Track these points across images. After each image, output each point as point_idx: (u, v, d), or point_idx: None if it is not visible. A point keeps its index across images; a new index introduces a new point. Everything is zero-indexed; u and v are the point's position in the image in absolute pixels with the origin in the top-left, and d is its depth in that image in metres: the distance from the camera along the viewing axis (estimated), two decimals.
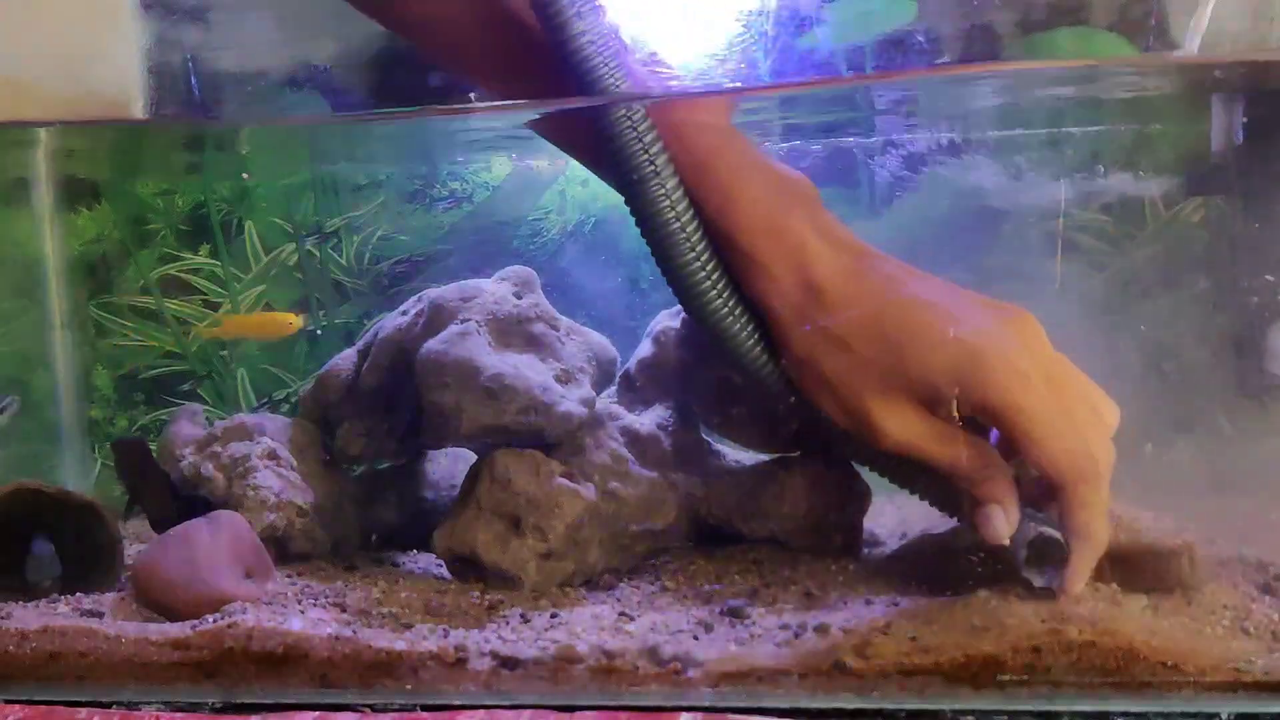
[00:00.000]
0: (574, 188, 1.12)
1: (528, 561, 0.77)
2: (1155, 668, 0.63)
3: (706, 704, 0.65)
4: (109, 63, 0.82)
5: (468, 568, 0.79)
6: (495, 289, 0.89)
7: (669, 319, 0.88)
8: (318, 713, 0.65)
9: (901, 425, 0.67)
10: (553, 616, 0.72)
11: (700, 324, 0.73)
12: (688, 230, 0.70)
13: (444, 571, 0.82)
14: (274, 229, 1.18)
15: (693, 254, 0.70)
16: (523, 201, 1.12)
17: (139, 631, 0.73)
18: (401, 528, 0.93)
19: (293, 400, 1.14)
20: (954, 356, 0.66)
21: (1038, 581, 0.68)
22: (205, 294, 1.18)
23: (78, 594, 0.82)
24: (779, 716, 0.63)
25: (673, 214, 0.70)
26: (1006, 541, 0.68)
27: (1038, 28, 0.74)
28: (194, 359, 1.18)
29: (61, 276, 1.19)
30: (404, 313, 0.91)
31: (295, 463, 0.90)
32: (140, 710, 0.67)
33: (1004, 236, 1.03)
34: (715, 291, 0.71)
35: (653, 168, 0.69)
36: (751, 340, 0.72)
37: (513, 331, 0.86)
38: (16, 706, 0.66)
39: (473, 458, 0.84)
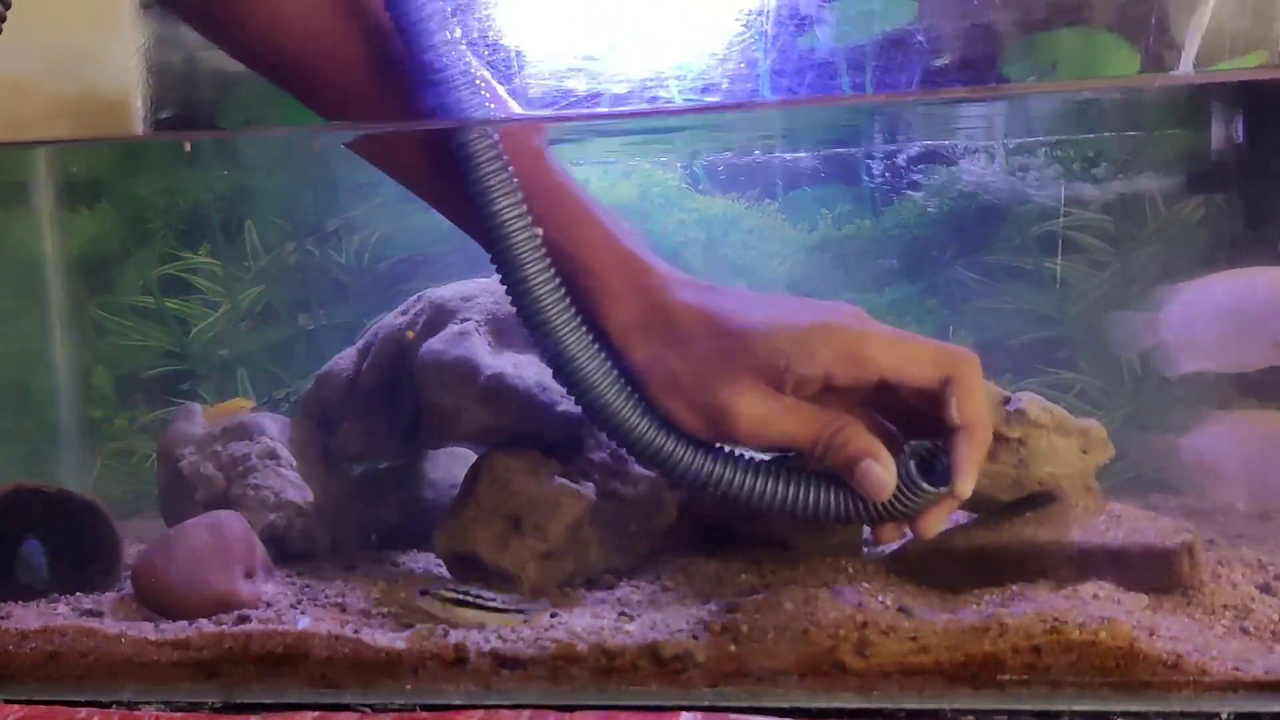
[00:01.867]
0: None
1: (527, 561, 0.77)
2: (1155, 667, 0.63)
3: (706, 703, 0.65)
4: (108, 62, 0.82)
5: (468, 567, 0.79)
6: (495, 289, 0.89)
7: None
8: (317, 712, 0.65)
9: (752, 403, 0.67)
10: (552, 616, 0.72)
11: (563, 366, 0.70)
12: (549, 267, 0.70)
13: (444, 571, 0.82)
14: (274, 228, 1.18)
15: (557, 296, 0.70)
16: None
17: (139, 631, 0.73)
18: (401, 527, 0.93)
19: (292, 399, 1.14)
20: (795, 330, 0.68)
21: (927, 486, 0.66)
22: (205, 293, 1.18)
23: (77, 594, 0.82)
24: (779, 716, 0.63)
25: (538, 254, 0.69)
26: (891, 491, 0.66)
27: (1038, 28, 0.74)
28: (194, 358, 1.18)
29: (61, 276, 1.19)
30: (404, 312, 0.91)
31: (295, 462, 0.90)
32: (140, 710, 0.67)
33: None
34: (576, 327, 0.70)
35: (514, 198, 0.69)
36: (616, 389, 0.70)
37: (513, 331, 0.86)
38: (16, 706, 0.66)
39: (472, 457, 0.84)
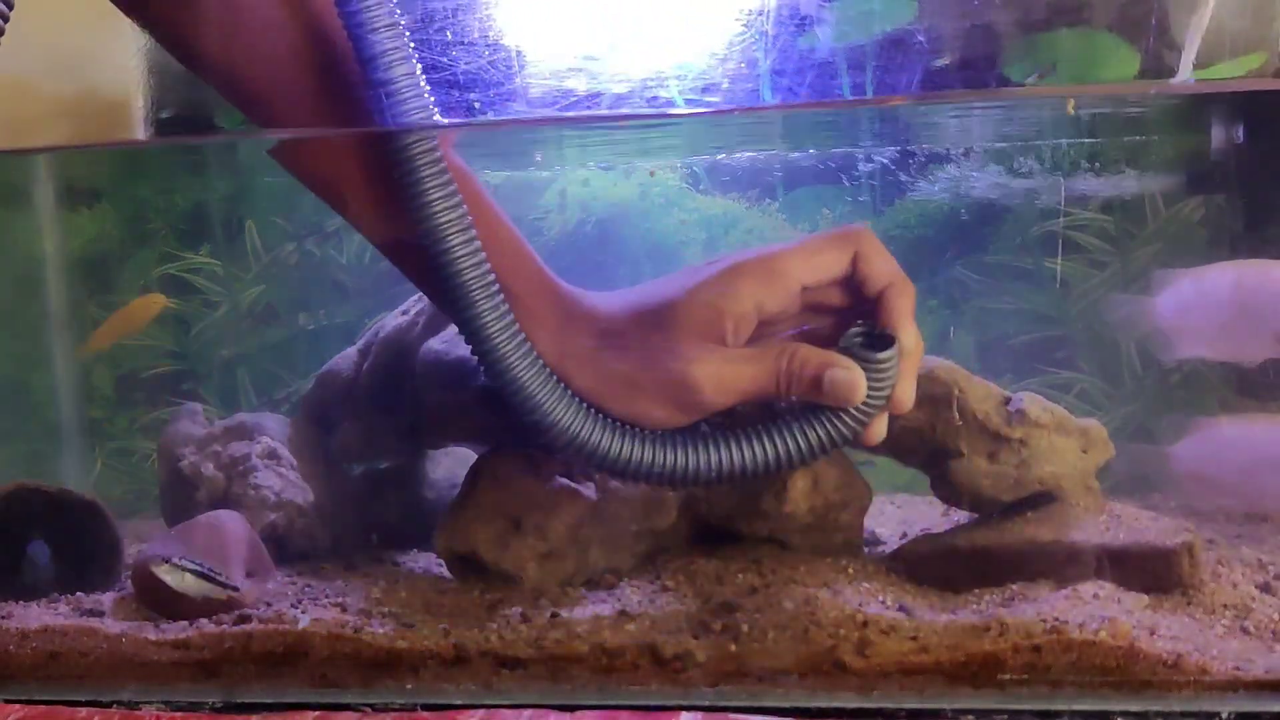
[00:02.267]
0: (574, 187, 1.12)
1: (528, 561, 0.77)
2: (1155, 666, 0.63)
3: (706, 703, 0.65)
4: (108, 63, 0.82)
5: (468, 567, 0.79)
6: None
7: None
8: (318, 712, 0.65)
9: (706, 367, 0.67)
10: (553, 616, 0.72)
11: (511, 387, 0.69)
12: (495, 286, 0.69)
13: (444, 571, 0.82)
14: (274, 228, 1.18)
15: (504, 318, 0.68)
16: (523, 201, 1.12)
17: (139, 631, 0.73)
18: (402, 527, 0.93)
19: (293, 399, 1.14)
20: (712, 280, 0.69)
21: (881, 355, 0.66)
22: (205, 293, 1.18)
23: (78, 593, 0.82)
24: (779, 716, 0.63)
25: (483, 273, 0.68)
26: (864, 388, 0.66)
27: (1038, 28, 0.74)
28: (194, 358, 1.18)
29: (61, 275, 1.19)
30: (404, 312, 0.91)
31: (295, 462, 0.90)
32: (140, 710, 0.67)
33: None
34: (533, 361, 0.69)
35: (458, 213, 0.68)
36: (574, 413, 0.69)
37: None
38: (16, 706, 0.66)
39: (473, 457, 0.84)
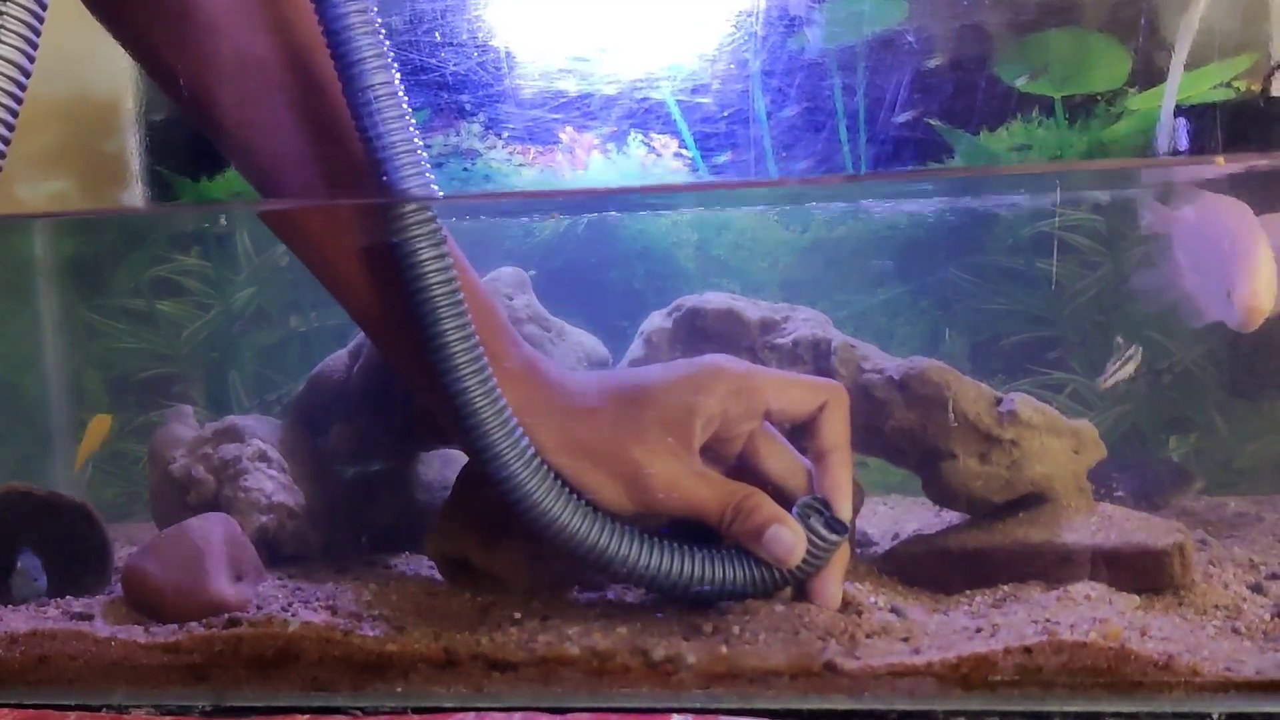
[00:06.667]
0: None
1: (519, 563, 0.77)
2: (1146, 667, 0.63)
3: (698, 705, 0.65)
4: (99, 63, 0.82)
5: (459, 570, 0.79)
6: (493, 288, 0.89)
7: (661, 319, 0.88)
8: (309, 715, 0.65)
9: (666, 463, 0.69)
10: (544, 619, 0.72)
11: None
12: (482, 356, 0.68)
13: (435, 574, 0.82)
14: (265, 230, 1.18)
15: (487, 389, 0.68)
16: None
17: (129, 634, 0.73)
18: (393, 530, 0.93)
19: (284, 402, 1.13)
20: (690, 374, 0.71)
21: (832, 536, 0.69)
22: (196, 295, 1.18)
23: (67, 597, 0.82)
24: (770, 717, 0.63)
25: (471, 340, 0.68)
26: (801, 554, 0.68)
27: (1029, 29, 0.75)
28: (185, 361, 1.18)
29: (52, 278, 1.19)
30: None
31: (286, 464, 0.90)
32: (130, 714, 0.67)
33: None
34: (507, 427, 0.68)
35: (451, 285, 0.67)
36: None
37: None
38: (5, 710, 0.66)
39: (464, 459, 0.84)
